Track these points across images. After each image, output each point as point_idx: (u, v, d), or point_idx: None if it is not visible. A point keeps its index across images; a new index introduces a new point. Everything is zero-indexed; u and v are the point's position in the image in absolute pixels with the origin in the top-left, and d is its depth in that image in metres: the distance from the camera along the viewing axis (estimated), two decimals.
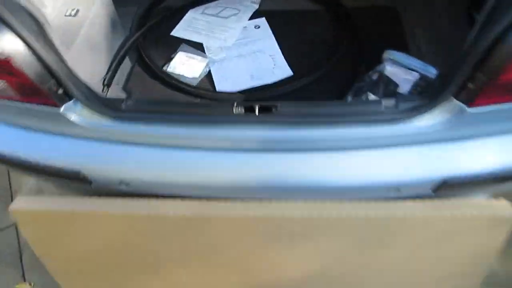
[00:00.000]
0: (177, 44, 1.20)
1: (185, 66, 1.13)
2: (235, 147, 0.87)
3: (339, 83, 1.08)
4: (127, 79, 1.14)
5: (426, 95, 0.85)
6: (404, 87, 1.06)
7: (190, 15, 1.29)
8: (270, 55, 1.17)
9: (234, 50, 1.19)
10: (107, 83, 1.10)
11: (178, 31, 1.24)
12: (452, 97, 0.81)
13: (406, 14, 1.23)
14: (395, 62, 1.09)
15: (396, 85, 1.06)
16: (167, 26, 1.26)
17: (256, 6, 1.30)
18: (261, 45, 1.19)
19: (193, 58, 1.15)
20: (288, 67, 1.13)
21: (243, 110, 0.85)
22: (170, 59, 1.16)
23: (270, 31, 1.22)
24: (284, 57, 1.16)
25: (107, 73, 1.11)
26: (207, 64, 1.15)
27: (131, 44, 1.18)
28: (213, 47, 1.20)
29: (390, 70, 1.08)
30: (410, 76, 1.06)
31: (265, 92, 1.07)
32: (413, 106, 0.84)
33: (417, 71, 1.06)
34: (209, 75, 1.13)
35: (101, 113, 0.88)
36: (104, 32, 1.11)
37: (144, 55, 1.16)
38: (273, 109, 0.84)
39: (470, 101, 0.80)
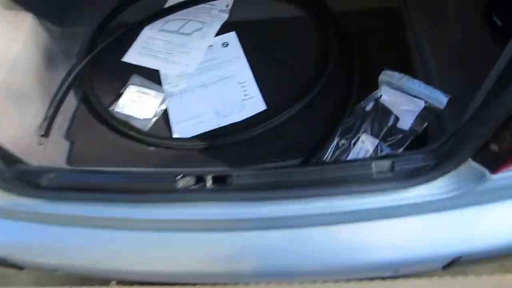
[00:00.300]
0: (129, 73, 1.00)
1: (136, 104, 0.93)
2: (182, 228, 0.68)
3: (325, 118, 0.86)
4: (71, 124, 0.95)
5: (434, 151, 0.63)
6: (405, 120, 0.83)
7: (146, 33, 1.06)
8: (240, 83, 0.94)
9: (197, 78, 0.97)
10: (44, 133, 0.91)
11: (130, 56, 1.03)
12: (469, 159, 0.59)
13: (411, 21, 0.98)
14: (394, 87, 0.85)
15: (396, 118, 0.83)
16: (118, 49, 1.05)
17: (225, 17, 1.06)
18: (229, 69, 0.97)
19: (146, 94, 0.94)
20: (261, 98, 0.91)
21: (190, 182, 0.66)
22: (119, 95, 0.96)
23: (241, 50, 0.99)
24: (257, 84, 0.93)
25: (44, 119, 0.92)
26: (163, 100, 0.94)
27: (74, 79, 0.98)
28: (171, 75, 0.98)
29: (387, 98, 0.85)
30: (413, 106, 0.83)
31: (230, 136, 0.86)
32: (416, 169, 0.63)
33: (422, 99, 0.83)
34: (166, 114, 0.93)
35: (16, 193, 0.71)
36: (34, 73, 0.92)
37: (88, 92, 0.96)
38: (228, 180, 0.64)
39: (494, 168, 0.58)
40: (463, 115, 0.70)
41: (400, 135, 0.81)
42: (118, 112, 0.93)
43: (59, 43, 1.02)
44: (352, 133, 0.83)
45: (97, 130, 0.92)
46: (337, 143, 0.83)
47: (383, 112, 0.84)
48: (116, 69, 1.01)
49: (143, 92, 0.94)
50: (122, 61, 1.02)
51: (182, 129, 0.90)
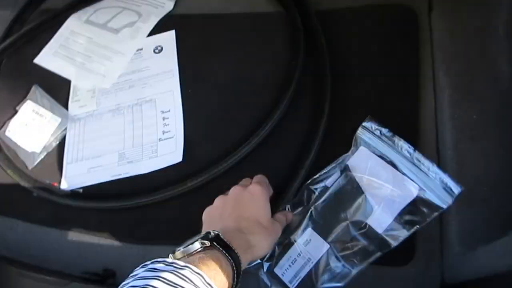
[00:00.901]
0: (37, 81, 0.75)
1: (27, 129, 0.70)
2: None
3: (275, 181, 0.56)
4: None
5: None
6: (382, 216, 0.50)
7: (69, 25, 0.80)
8: (162, 111, 0.66)
9: (111, 98, 0.70)
10: None
11: (43, 57, 0.78)
12: None
13: (432, 31, 0.61)
14: (378, 152, 0.53)
15: (370, 208, 0.51)
16: (36, 44, 0.80)
17: (170, 7, 0.76)
18: (154, 89, 0.69)
19: (41, 115, 0.70)
20: (181, 142, 0.63)
21: None
22: (15, 112, 0.73)
23: (175, 61, 0.70)
24: (184, 117, 0.65)
25: None
26: (61, 126, 0.69)
27: None
28: (82, 89, 0.72)
29: (361, 170, 0.53)
30: (400, 191, 0.50)
31: (131, 197, 0.60)
32: None
33: (416, 183, 0.50)
34: (62, 147, 0.68)
35: None
36: None
37: None
38: None
39: None
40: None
41: (366, 242, 0.50)
42: (8, 137, 0.71)
43: None
44: (297, 222, 0.54)
45: None
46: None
47: (348, 195, 0.53)
48: (23, 74, 0.77)
49: (37, 113, 0.70)
50: (34, 63, 0.78)
51: (74, 172, 0.65)
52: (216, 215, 0.50)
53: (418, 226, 0.48)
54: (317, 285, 0.51)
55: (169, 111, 0.66)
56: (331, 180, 0.53)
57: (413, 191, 0.49)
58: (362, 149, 0.53)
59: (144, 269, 0.36)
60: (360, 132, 0.54)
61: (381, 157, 0.52)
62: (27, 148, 0.68)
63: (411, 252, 0.51)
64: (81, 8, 0.81)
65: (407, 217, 0.49)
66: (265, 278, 0.53)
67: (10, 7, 0.87)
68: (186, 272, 0.35)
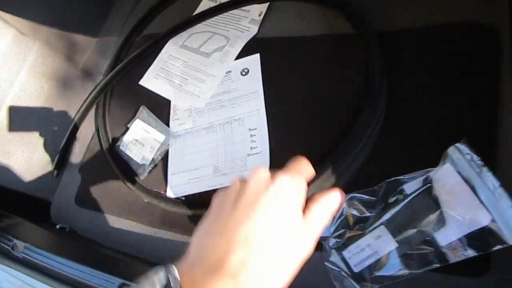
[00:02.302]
0: (143, 101, 0.88)
1: (137, 145, 0.82)
2: None
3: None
4: (84, 157, 0.90)
5: None
6: (450, 232, 0.54)
7: (167, 50, 0.92)
8: (250, 129, 0.75)
9: (205, 117, 0.80)
10: (55, 168, 0.89)
11: (146, 79, 0.91)
12: None
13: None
14: (464, 174, 0.55)
15: (441, 223, 0.55)
16: (140, 67, 0.93)
17: (255, 31, 0.84)
18: (242, 108, 0.77)
19: (148, 133, 0.82)
20: (267, 157, 0.71)
21: None
22: (126, 129, 0.86)
23: (260, 82, 0.78)
24: (269, 134, 0.73)
25: (58, 152, 0.90)
26: (165, 142, 0.81)
27: (89, 104, 0.91)
28: (181, 109, 0.84)
29: (445, 187, 0.56)
30: (473, 216, 0.53)
31: None
32: None
33: (490, 212, 0.52)
34: (166, 161, 0.80)
35: None
36: (47, 101, 0.88)
37: (99, 121, 0.89)
38: None
39: None
40: None
41: (428, 251, 0.54)
42: (121, 151, 0.84)
43: (86, 60, 0.96)
44: (370, 215, 0.59)
45: (102, 169, 0.85)
46: (348, 221, 0.60)
47: (425, 206, 0.57)
48: (132, 94, 0.91)
49: (146, 131, 0.83)
50: (139, 85, 0.91)
51: (176, 182, 0.77)
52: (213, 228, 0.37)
53: (480, 252, 0.51)
54: (373, 274, 0.56)
55: (255, 129, 0.74)
56: (411, 187, 0.57)
57: (485, 220, 0.51)
58: (448, 166, 0.56)
59: None
60: (451, 150, 0.56)
61: (465, 180, 0.55)
62: (138, 161, 0.81)
63: (486, 263, 0.53)
64: (178, 33, 0.93)
65: (471, 241, 0.52)
66: (332, 250, 0.59)
67: (117, 33, 1.02)
68: None
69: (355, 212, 0.59)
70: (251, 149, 0.73)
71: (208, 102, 0.81)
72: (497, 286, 0.53)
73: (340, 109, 0.69)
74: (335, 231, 0.59)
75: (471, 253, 0.52)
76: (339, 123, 0.68)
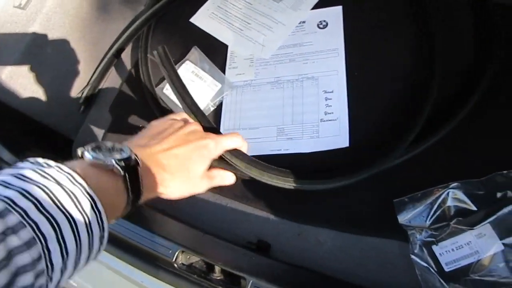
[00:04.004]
0: (194, 41, 0.77)
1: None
2: None
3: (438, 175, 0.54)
4: (118, 95, 0.78)
5: None
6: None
7: None
8: (325, 92, 0.65)
9: (270, 70, 0.70)
10: (83, 101, 0.77)
11: (199, 17, 0.78)
12: None
13: None
14: None
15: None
16: (191, 3, 0.81)
17: None
18: (318, 65, 0.67)
19: (200, 78, 0.71)
20: (346, 125, 0.61)
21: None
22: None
23: (342, 39, 0.67)
24: (348, 100, 0.63)
25: (86, 84, 0.78)
26: (220, 92, 0.70)
27: (128, 38, 0.79)
28: (240, 56, 0.73)
29: None
30: None
31: (298, 178, 0.59)
32: None
33: None
34: (218, 110, 0.70)
35: None
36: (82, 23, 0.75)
37: (141, 57, 0.77)
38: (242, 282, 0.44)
39: None
40: None
41: None
42: (165, 95, 0.73)
43: None
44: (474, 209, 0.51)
45: (139, 112, 0.75)
46: (448, 213, 0.52)
47: None
48: (180, 32, 0.78)
49: (197, 75, 0.72)
50: (190, 22, 0.79)
51: None
52: (154, 133, 0.50)
53: None
54: (468, 276, 0.49)
55: (332, 92, 0.65)
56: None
57: None
58: None
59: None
60: None
61: None
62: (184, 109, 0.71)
63: None
64: None
65: None
66: (419, 243, 0.52)
67: None
68: (51, 170, 0.33)
69: (457, 204, 0.51)
70: (325, 114, 0.63)
71: (274, 53, 0.71)
72: None
73: (438, 78, 0.60)
74: (432, 223, 0.51)
75: None
76: (439, 97, 0.59)
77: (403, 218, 0.52)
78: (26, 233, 0.28)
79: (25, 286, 0.28)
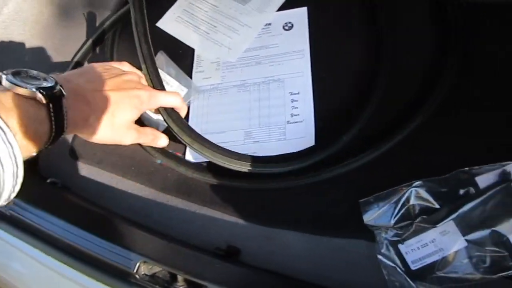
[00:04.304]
0: (161, 46, 0.76)
1: None
2: None
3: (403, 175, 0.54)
4: None
5: None
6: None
7: None
8: (291, 93, 0.65)
9: (237, 73, 0.69)
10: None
11: (166, 21, 0.78)
12: None
13: None
14: None
15: None
16: (158, 7, 0.80)
17: None
18: (283, 68, 0.67)
19: (167, 83, 0.70)
20: (312, 126, 0.61)
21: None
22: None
23: (307, 40, 0.67)
24: (314, 101, 0.63)
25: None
26: (186, 97, 0.69)
27: (93, 44, 0.77)
28: (206, 60, 0.72)
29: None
30: None
31: (261, 179, 0.59)
32: None
33: None
34: (186, 118, 0.69)
35: None
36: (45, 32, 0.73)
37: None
38: None
39: None
40: None
41: (504, 255, 0.47)
42: None
43: None
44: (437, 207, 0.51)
45: None
46: (412, 212, 0.52)
47: (502, 204, 0.50)
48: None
49: (163, 80, 0.70)
50: (156, 27, 0.78)
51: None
52: (89, 73, 0.49)
53: None
54: (434, 273, 0.50)
55: (298, 93, 0.64)
56: (485, 180, 0.50)
57: None
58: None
59: None
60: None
61: None
62: (152, 116, 0.69)
63: None
64: None
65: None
66: (386, 242, 0.52)
67: None
68: None
69: (420, 202, 0.52)
70: (291, 116, 0.63)
71: (241, 56, 0.70)
72: None
73: (402, 78, 0.60)
74: (396, 222, 0.51)
75: None
76: (402, 96, 0.59)
77: (369, 218, 0.52)
78: None
79: None
